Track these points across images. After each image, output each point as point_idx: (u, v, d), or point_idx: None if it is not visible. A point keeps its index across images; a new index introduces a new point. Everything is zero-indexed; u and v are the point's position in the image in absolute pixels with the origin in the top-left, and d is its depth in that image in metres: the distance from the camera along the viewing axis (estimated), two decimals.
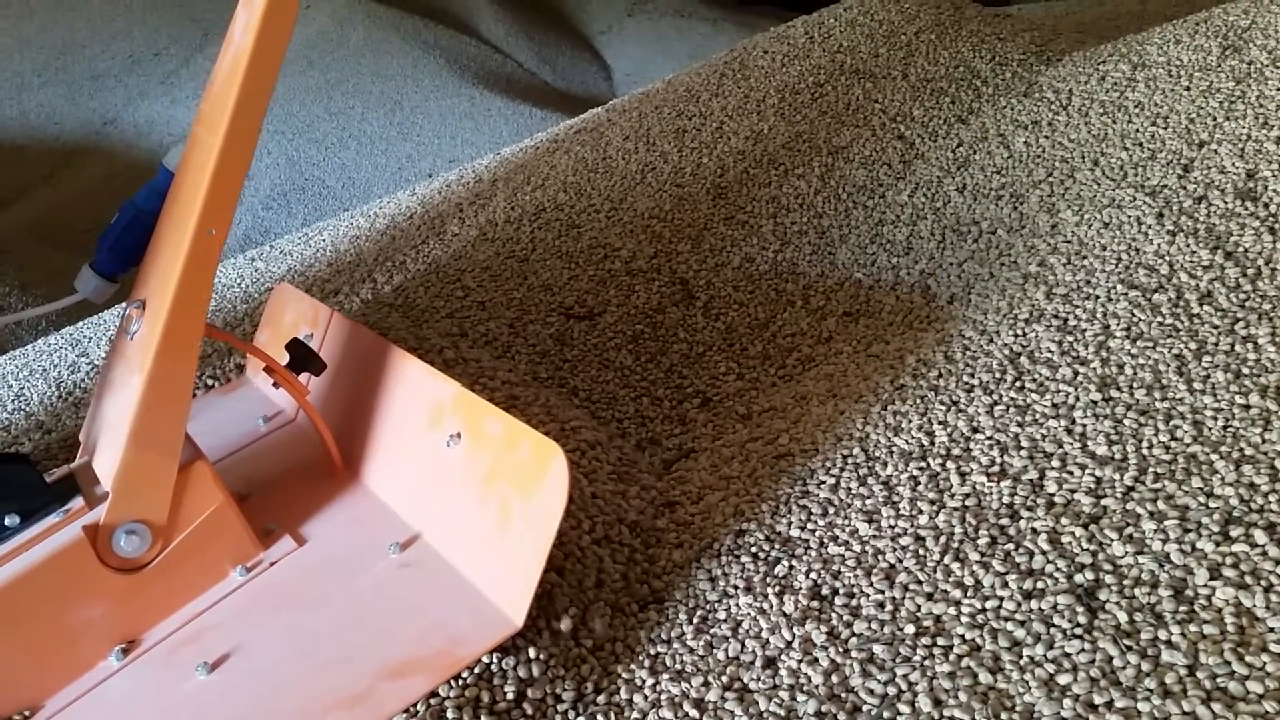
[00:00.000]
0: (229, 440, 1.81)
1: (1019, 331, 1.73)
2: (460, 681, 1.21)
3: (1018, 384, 1.59)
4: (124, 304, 1.55)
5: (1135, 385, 1.49)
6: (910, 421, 1.60)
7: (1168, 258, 1.75)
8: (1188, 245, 1.76)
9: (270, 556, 1.46)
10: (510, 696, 1.22)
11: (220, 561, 1.42)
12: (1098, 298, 1.72)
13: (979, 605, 1.21)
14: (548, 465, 1.26)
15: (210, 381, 2.16)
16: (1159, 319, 1.61)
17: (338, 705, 1.21)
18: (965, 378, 1.66)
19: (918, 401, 1.64)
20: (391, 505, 1.52)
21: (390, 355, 1.62)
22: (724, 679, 1.23)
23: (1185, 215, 1.84)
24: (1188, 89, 2.33)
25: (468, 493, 1.38)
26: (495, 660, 1.23)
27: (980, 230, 2.16)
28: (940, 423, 1.57)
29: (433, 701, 1.19)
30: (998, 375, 1.63)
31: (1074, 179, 2.21)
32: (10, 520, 1.37)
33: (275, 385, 1.61)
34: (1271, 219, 1.74)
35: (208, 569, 1.41)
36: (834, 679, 1.19)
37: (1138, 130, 2.27)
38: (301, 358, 1.61)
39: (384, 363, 1.62)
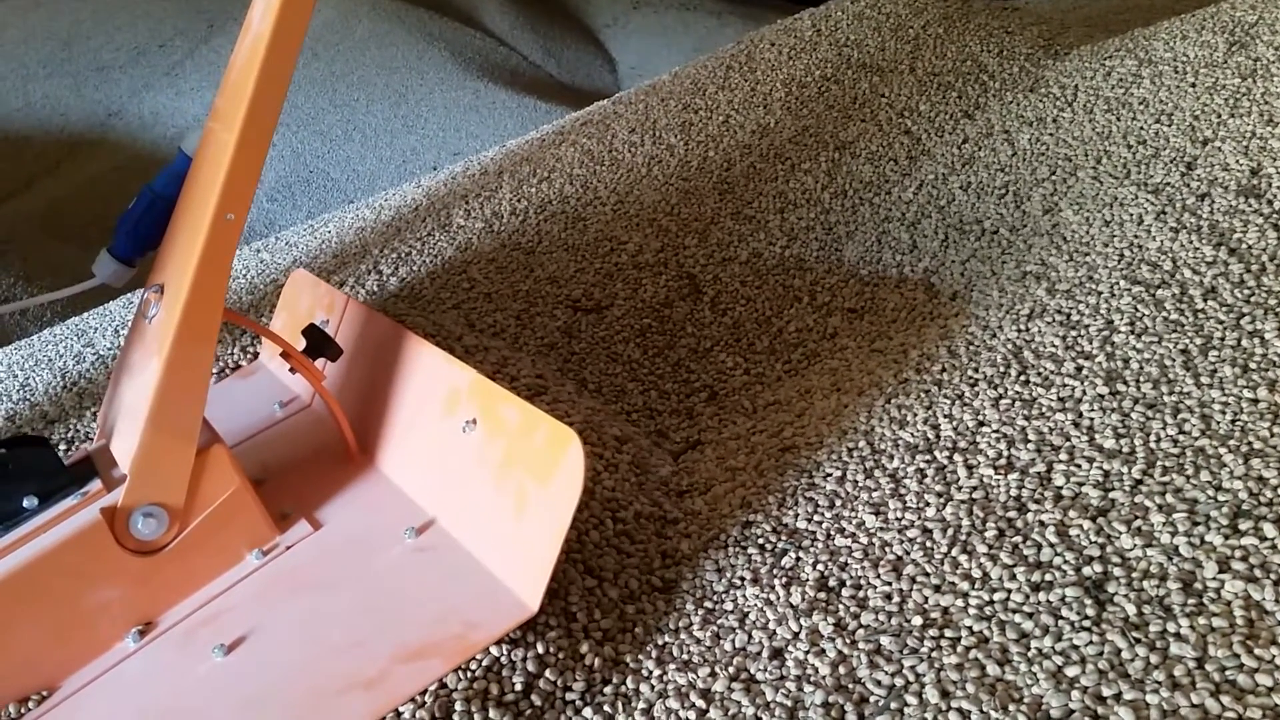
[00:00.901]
0: (245, 426, 1.82)
1: (1021, 327, 1.73)
2: (469, 674, 1.21)
3: (1022, 378, 1.59)
4: (140, 290, 1.55)
5: (1142, 379, 1.49)
6: (915, 415, 1.60)
7: (1170, 254, 1.75)
8: (1190, 242, 1.75)
9: (286, 540, 1.47)
10: (519, 688, 1.22)
11: (237, 545, 1.43)
12: (1100, 293, 1.72)
13: (987, 597, 1.21)
14: (564, 452, 1.26)
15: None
16: (1163, 314, 1.61)
17: (353, 687, 1.22)
18: (969, 372, 1.66)
19: (922, 395, 1.64)
20: (407, 491, 1.52)
21: (406, 341, 1.62)
22: (731, 669, 1.23)
23: (1188, 212, 1.83)
24: (1193, 85, 2.32)
25: (483, 478, 1.39)
26: (504, 652, 1.24)
27: (983, 229, 2.16)
28: (946, 416, 1.56)
29: (440, 693, 1.19)
30: (1002, 369, 1.63)
31: (1076, 177, 2.20)
32: (29, 502, 1.37)
33: (292, 370, 1.61)
34: (1276, 215, 1.74)
35: (224, 552, 1.42)
36: (841, 670, 1.19)
37: (1141, 128, 2.27)
38: (318, 343, 1.62)
39: (400, 349, 1.63)
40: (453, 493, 1.45)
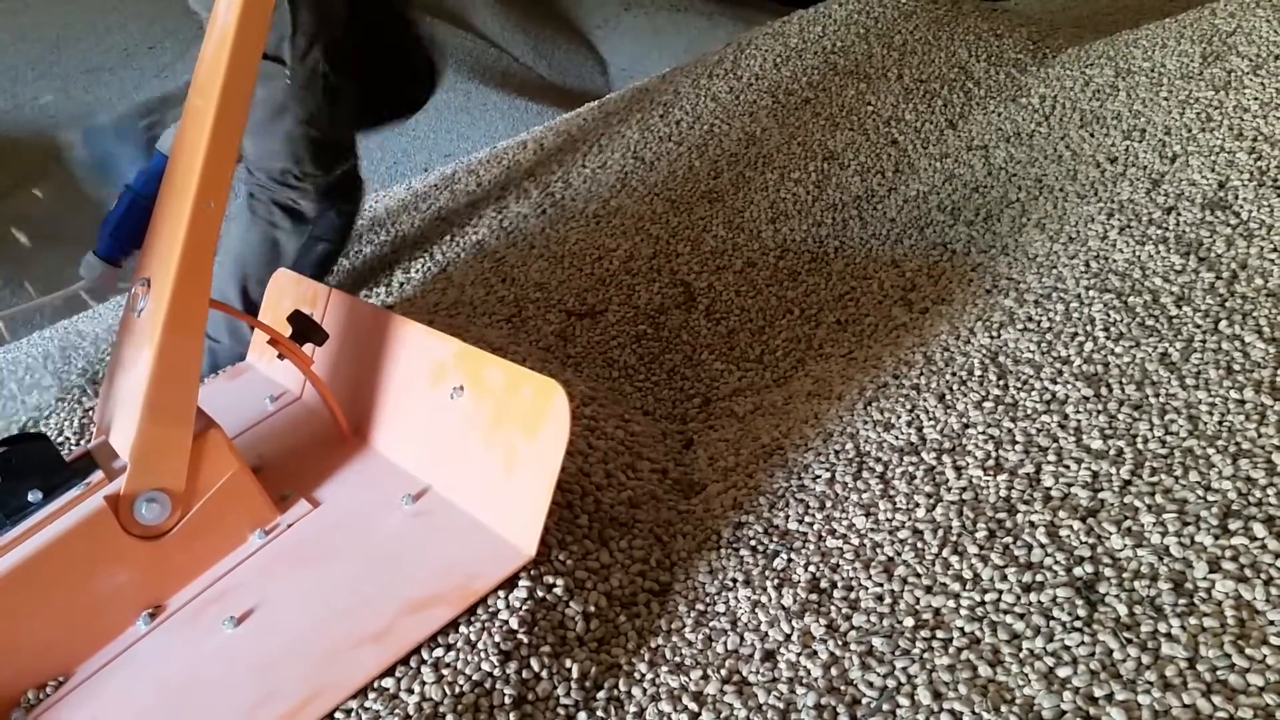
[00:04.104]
0: (239, 420, 1.85)
1: (994, 334, 1.74)
2: (457, 689, 1.21)
3: (1002, 382, 1.59)
4: (125, 287, 1.59)
5: (1125, 381, 1.50)
6: (899, 418, 1.60)
7: (1139, 263, 1.76)
8: (1158, 252, 1.76)
9: (287, 519, 1.50)
10: (509, 701, 1.21)
11: (239, 526, 1.47)
12: (1069, 302, 1.73)
13: (978, 598, 1.22)
14: (549, 404, 1.31)
15: None
16: (1137, 319, 1.62)
17: (363, 641, 1.25)
18: (948, 377, 1.67)
19: (903, 399, 1.65)
20: (401, 464, 1.56)
21: (390, 322, 1.66)
22: (723, 672, 1.24)
23: (1154, 225, 1.85)
24: (1166, 99, 2.32)
25: (474, 441, 1.43)
26: (496, 666, 1.23)
27: (954, 251, 2.18)
28: (931, 419, 1.57)
29: (425, 707, 1.19)
30: (979, 374, 1.64)
31: (1045, 197, 2.21)
32: (33, 496, 1.40)
33: (280, 357, 1.63)
34: (1243, 226, 1.75)
35: (227, 534, 1.46)
36: (833, 672, 1.19)
37: (1112, 144, 2.27)
38: (304, 329, 1.65)
39: (384, 330, 1.67)
40: (446, 459, 1.49)
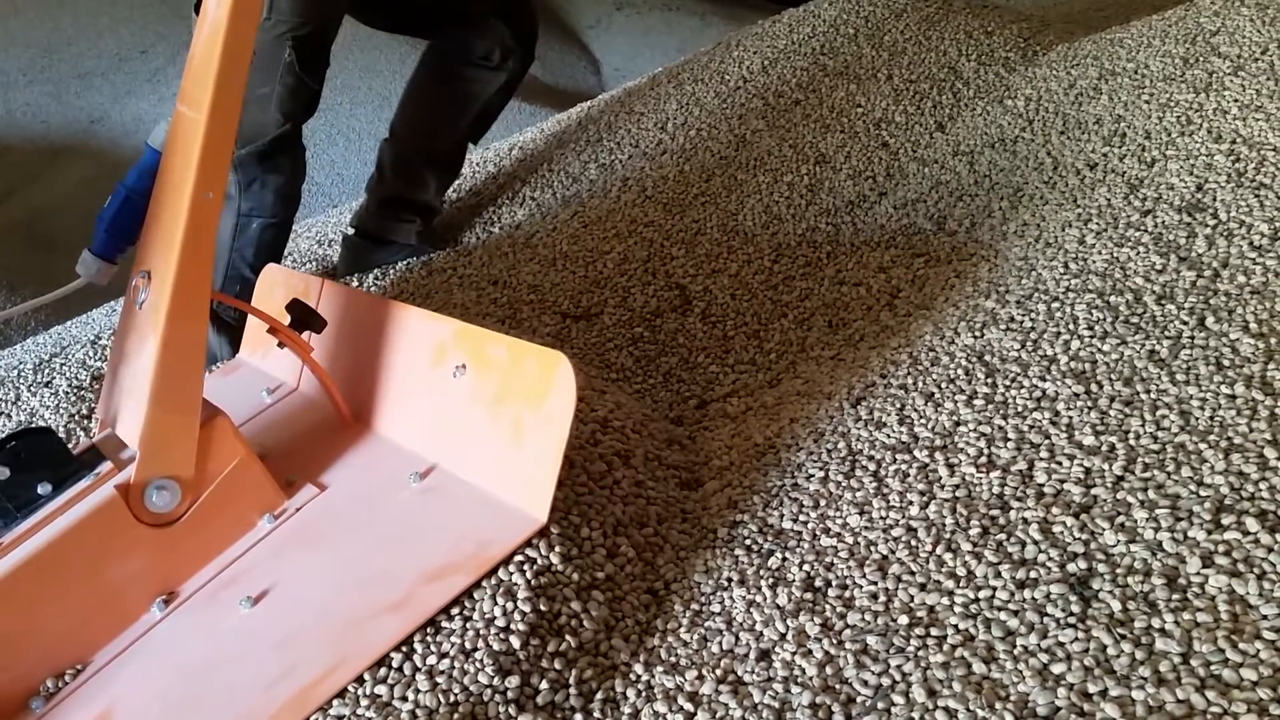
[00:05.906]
0: (237, 413, 1.87)
1: (977, 334, 1.74)
2: (452, 700, 1.20)
3: (990, 380, 1.59)
4: (125, 284, 1.60)
5: (1114, 378, 1.50)
6: (890, 417, 1.60)
7: (1118, 264, 1.76)
8: (1137, 253, 1.77)
9: (295, 503, 1.51)
10: (503, 707, 1.21)
11: (248, 512, 1.48)
12: (1049, 303, 1.74)
13: (972, 595, 1.22)
14: (554, 374, 1.32)
15: None
16: (1120, 318, 1.62)
17: (382, 611, 1.27)
18: (934, 375, 1.67)
19: (892, 399, 1.65)
20: (406, 445, 1.57)
21: (387, 308, 1.67)
22: (718, 672, 1.24)
23: (1132, 228, 1.85)
24: (1147, 102, 2.32)
25: (479, 417, 1.44)
26: (492, 679, 1.22)
27: (938, 258, 2.20)
28: (921, 417, 1.57)
29: (420, 715, 1.19)
30: (966, 372, 1.64)
31: (1025, 206, 2.23)
32: (43, 489, 1.42)
33: (281, 345, 1.63)
34: (1223, 226, 1.75)
35: (237, 519, 1.48)
36: (828, 670, 1.19)
37: (1092, 150, 2.27)
38: (302, 317, 1.66)
39: (381, 316, 1.68)
40: (451, 436, 1.50)
